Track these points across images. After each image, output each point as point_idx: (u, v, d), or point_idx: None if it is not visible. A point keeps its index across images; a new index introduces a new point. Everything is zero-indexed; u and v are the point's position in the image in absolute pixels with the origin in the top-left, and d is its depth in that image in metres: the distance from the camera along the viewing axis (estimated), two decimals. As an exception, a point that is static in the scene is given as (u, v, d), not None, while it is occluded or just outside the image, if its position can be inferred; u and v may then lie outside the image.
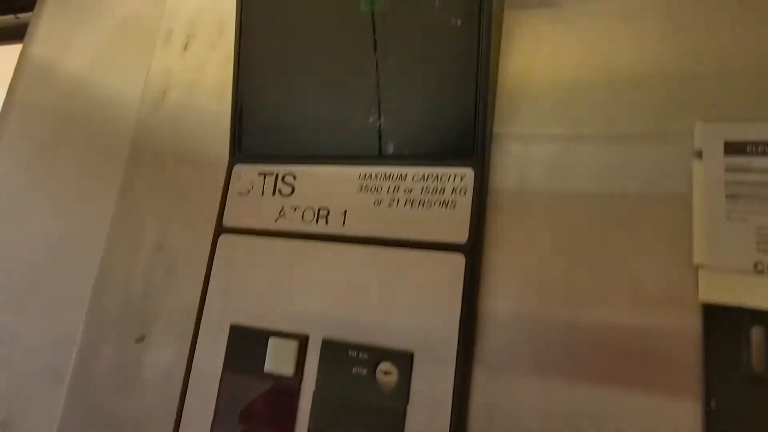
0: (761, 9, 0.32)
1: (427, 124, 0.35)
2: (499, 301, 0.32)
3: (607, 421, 0.29)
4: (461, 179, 0.34)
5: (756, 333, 0.28)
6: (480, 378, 0.31)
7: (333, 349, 0.33)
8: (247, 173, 0.40)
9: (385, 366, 0.32)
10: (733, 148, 0.30)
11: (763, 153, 0.29)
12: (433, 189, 0.34)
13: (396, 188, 0.35)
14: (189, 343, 0.38)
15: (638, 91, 0.33)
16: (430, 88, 0.35)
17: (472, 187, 0.33)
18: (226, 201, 0.40)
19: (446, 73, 0.35)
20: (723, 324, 0.29)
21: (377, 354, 0.32)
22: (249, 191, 0.39)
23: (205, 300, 0.38)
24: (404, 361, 0.32)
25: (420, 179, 0.35)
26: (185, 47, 0.46)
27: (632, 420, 0.29)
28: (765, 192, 0.29)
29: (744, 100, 0.31)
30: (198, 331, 0.38)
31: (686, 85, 0.32)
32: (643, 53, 0.33)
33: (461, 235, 0.33)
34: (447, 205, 0.34)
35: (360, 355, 0.33)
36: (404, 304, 0.33)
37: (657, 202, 0.31)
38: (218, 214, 0.40)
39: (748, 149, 0.30)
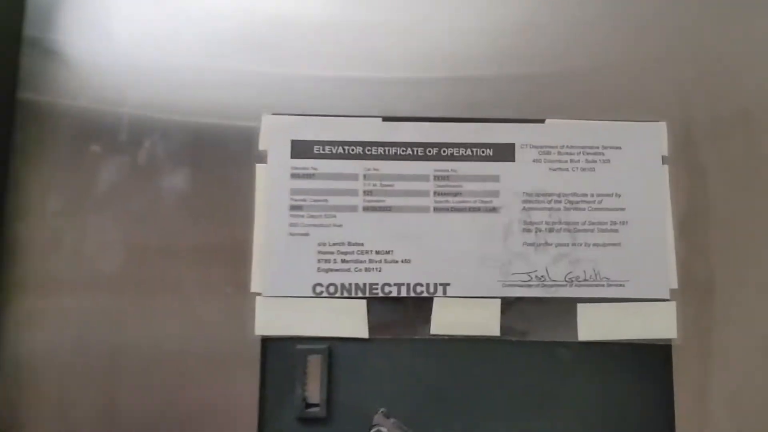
0: None
1: None
2: None
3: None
4: None
5: (313, 362, 0.25)
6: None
7: None
8: None
9: None
10: (299, 148, 0.25)
11: (330, 155, 0.25)
12: None
13: None
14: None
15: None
16: None
17: None
18: None
19: None
20: (280, 356, 0.25)
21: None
22: None
23: None
24: None
25: None
26: None
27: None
28: (329, 201, 0.25)
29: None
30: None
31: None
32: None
33: None
34: None
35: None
36: None
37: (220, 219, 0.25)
38: None
39: (315, 150, 0.25)
